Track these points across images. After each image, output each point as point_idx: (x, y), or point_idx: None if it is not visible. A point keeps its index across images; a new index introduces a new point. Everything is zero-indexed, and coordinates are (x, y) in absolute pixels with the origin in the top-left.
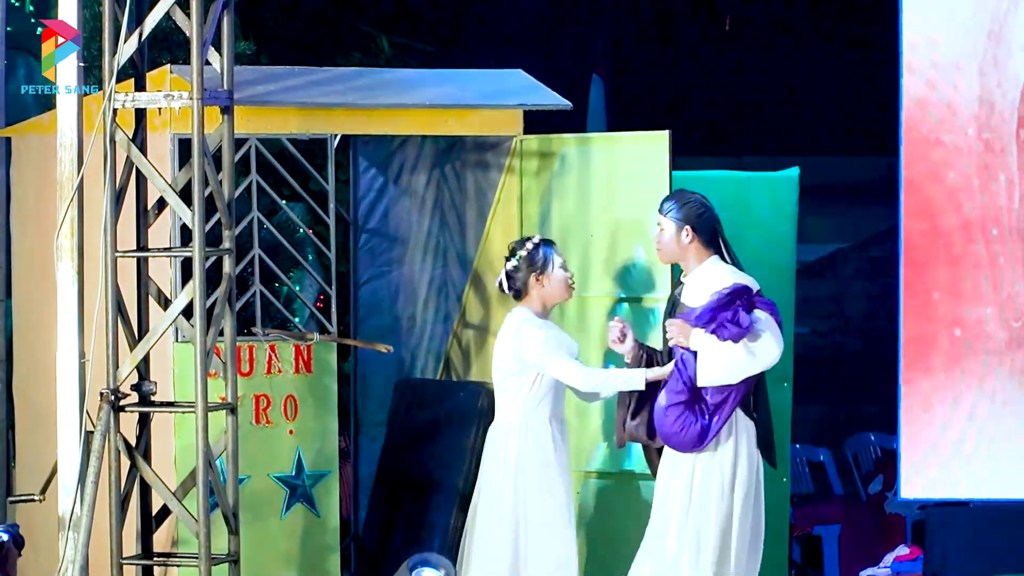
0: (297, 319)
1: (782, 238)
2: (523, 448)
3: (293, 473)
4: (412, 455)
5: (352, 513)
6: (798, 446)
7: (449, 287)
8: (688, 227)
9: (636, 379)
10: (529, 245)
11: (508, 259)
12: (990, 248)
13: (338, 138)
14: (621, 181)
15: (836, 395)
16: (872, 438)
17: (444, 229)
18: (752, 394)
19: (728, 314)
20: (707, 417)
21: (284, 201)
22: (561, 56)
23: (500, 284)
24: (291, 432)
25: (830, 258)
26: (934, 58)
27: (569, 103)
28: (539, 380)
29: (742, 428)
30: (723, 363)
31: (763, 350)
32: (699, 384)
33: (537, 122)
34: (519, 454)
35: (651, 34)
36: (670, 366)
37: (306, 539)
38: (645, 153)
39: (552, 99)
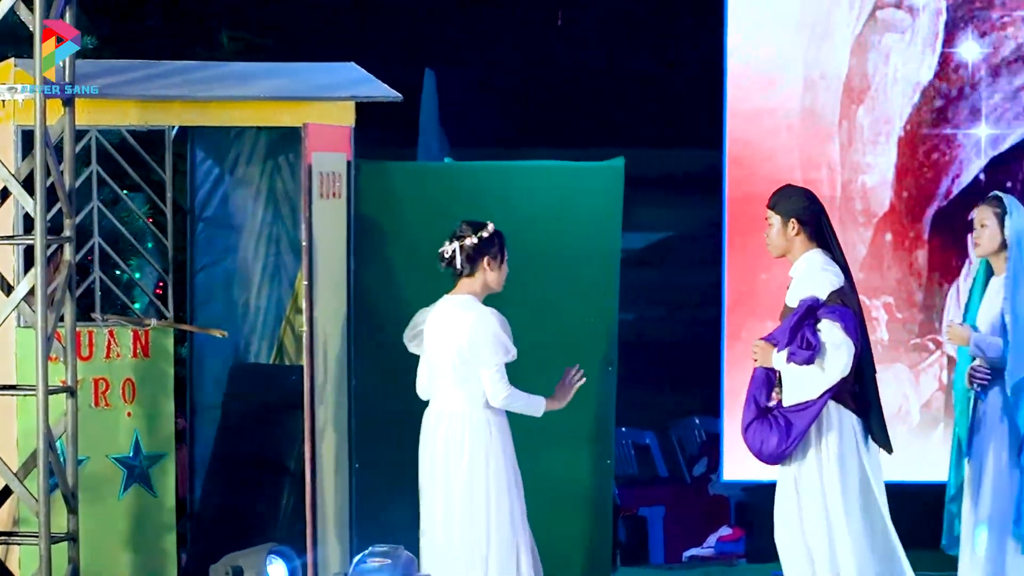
0: (137, 305)
1: (607, 226)
2: (476, 437)
3: (131, 454)
4: (246, 437)
5: (188, 493)
6: (624, 429)
7: (282, 274)
8: (794, 220)
9: (535, 406)
10: (491, 227)
11: (464, 236)
12: None
13: (176, 130)
14: None
15: (662, 380)
16: (697, 422)
17: (277, 218)
18: (853, 388)
19: (798, 340)
20: (781, 426)
21: (124, 191)
22: (396, 49)
23: (452, 258)
24: (129, 415)
25: (657, 246)
26: (758, 52)
27: (399, 95)
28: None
29: (839, 424)
30: (802, 383)
31: (831, 363)
32: (785, 404)
33: (373, 115)
34: (472, 442)
35: (483, 28)
36: (561, 400)
37: (143, 518)
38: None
39: (383, 91)
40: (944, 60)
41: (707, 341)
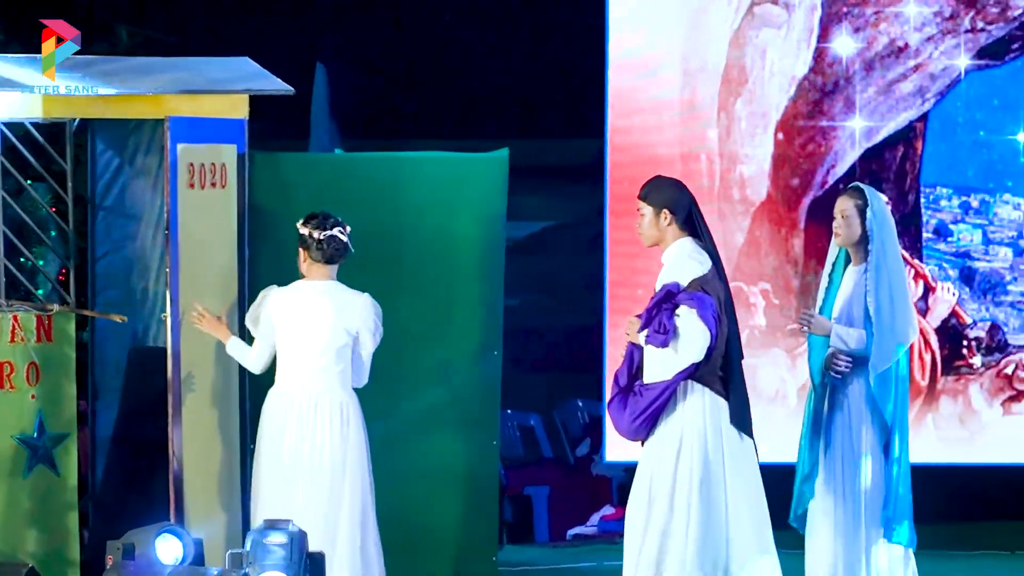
0: (40, 291)
1: (493, 215)
2: (356, 419)
3: (35, 435)
4: (145, 418)
5: (90, 473)
6: (509, 412)
7: None
8: (666, 210)
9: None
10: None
11: (343, 225)
12: None
13: (77, 122)
14: None
15: (546, 364)
16: (580, 404)
17: None
18: (723, 373)
19: (655, 323)
20: (636, 407)
21: (28, 181)
22: (289, 45)
23: (347, 243)
24: (33, 397)
25: (541, 234)
26: (639, 45)
27: (292, 89)
28: (357, 354)
29: (703, 407)
30: (658, 363)
31: (685, 346)
32: (644, 381)
33: (266, 109)
34: (354, 424)
35: (373, 24)
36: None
37: (47, 497)
38: None
39: (276, 85)
40: (819, 54)
41: (590, 326)
